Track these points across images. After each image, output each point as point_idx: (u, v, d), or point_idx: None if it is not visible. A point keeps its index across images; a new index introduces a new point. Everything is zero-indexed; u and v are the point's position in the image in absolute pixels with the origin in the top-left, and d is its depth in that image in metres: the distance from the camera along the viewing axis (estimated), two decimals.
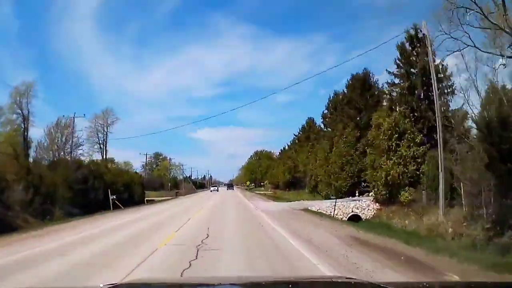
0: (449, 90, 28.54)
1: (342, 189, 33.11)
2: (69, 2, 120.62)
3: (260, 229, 13.38)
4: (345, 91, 40.27)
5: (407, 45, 30.33)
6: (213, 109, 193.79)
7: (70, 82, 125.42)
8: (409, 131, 25.57)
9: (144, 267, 7.45)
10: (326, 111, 46.89)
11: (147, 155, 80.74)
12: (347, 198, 31.76)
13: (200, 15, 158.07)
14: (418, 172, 24.90)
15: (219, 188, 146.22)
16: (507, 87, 16.55)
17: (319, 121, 52.44)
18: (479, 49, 15.49)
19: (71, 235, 12.93)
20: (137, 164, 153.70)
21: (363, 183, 34.45)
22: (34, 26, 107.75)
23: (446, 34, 15.34)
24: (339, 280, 3.41)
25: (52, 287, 6.61)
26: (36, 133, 60.92)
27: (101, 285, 2.37)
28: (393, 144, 25.45)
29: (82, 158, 59.68)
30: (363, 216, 25.37)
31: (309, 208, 23.94)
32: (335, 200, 29.65)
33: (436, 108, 22.70)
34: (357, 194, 33.37)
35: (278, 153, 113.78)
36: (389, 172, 25.03)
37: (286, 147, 76.65)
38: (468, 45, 15.11)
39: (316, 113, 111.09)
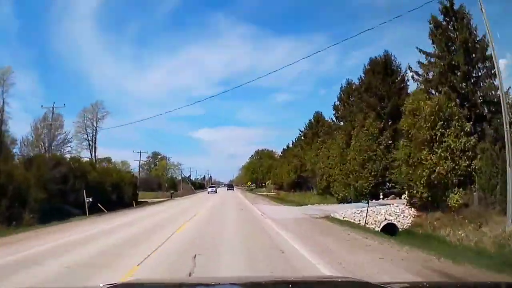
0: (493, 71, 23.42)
1: (363, 190, 27.80)
2: (69, 2, 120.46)
3: (280, 259, 8.01)
4: (363, 78, 34.96)
5: (440, 18, 25.29)
6: (213, 108, 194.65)
7: (70, 82, 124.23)
8: (456, 117, 20.28)
9: None
10: (338, 103, 41.64)
11: (143, 154, 75.36)
12: (372, 201, 26.46)
13: (200, 15, 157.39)
14: (469, 169, 19.64)
15: (218, 189, 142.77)
16: None
17: (328, 115, 47.34)
18: None
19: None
20: (135, 164, 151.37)
21: (387, 184, 29.16)
22: (34, 26, 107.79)
23: None
24: (339, 280, 3.32)
25: (52, 287, 6.34)
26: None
27: (101, 285, 2.35)
28: (437, 133, 20.14)
29: (70, 155, 54.82)
30: (399, 225, 20.07)
31: (332, 215, 18.57)
32: (359, 204, 24.33)
33: (500, 85, 17.52)
34: (381, 197, 28.05)
35: (281, 152, 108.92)
36: (433, 168, 19.74)
37: (290, 145, 71.38)
38: None
39: (314, 112, 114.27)
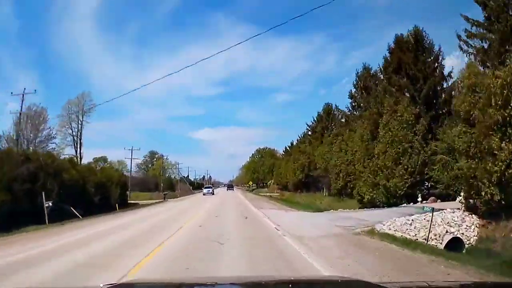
0: None
1: (397, 191, 22.26)
2: (69, 2, 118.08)
3: None
4: (388, 58, 29.37)
5: None
6: (213, 108, 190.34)
7: (70, 82, 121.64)
8: None
9: None
10: (354, 90, 36.15)
11: (139, 153, 69.70)
12: (409, 205, 20.97)
13: (200, 15, 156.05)
14: None
15: (218, 189, 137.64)
16: None
17: (341, 106, 41.81)
18: None
19: None
20: (132, 163, 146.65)
21: (425, 183, 23.65)
22: (34, 26, 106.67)
23: None
24: (339, 280, 3.33)
25: (52, 287, 6.25)
26: None
27: (101, 285, 2.31)
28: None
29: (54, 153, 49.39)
30: (463, 239, 14.60)
31: (377, 228, 12.97)
32: (397, 209, 18.81)
33: None
34: (419, 199, 22.49)
35: (283, 150, 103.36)
36: (509, 161, 14.30)
37: (295, 142, 65.89)
38: None
39: (315, 113, 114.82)
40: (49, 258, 8.69)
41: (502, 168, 14.52)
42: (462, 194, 17.59)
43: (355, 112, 34.94)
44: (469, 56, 20.48)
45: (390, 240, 10.34)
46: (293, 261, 7.84)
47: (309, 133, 51.08)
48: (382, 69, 30.87)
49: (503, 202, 14.88)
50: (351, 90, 36.49)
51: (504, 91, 15.02)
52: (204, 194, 56.35)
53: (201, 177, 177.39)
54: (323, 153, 38.22)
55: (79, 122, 53.35)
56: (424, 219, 14.67)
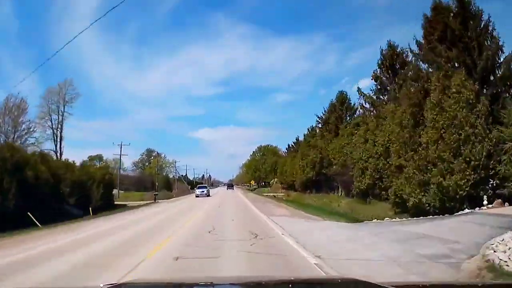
0: None
1: (458, 192, 16.45)
2: (69, 2, 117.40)
3: None
4: (427, 28, 23.51)
5: None
6: (213, 108, 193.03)
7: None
8: None
9: None
10: (378, 70, 30.30)
11: (133, 150, 64.01)
12: (478, 211, 15.21)
13: (200, 15, 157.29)
14: None
15: (218, 189, 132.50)
16: None
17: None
18: None
19: None
20: (129, 162, 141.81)
21: (490, 180, 17.84)
22: (33, 25, 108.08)
23: None
24: (339, 280, 3.33)
25: (52, 287, 6.20)
26: None
27: (101, 285, 2.30)
28: None
29: (33, 148, 43.88)
30: None
31: (491, 258, 7.30)
32: (466, 218, 13.05)
33: None
34: (484, 202, 16.71)
35: (286, 149, 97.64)
36: None
37: (302, 138, 60.13)
38: None
39: (315, 113, 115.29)
40: None
41: None
42: None
43: (381, 97, 29.14)
44: None
45: None
46: None
47: (319, 125, 45.21)
48: (417, 41, 25.07)
49: None
50: (374, 71, 30.67)
51: None
52: (197, 196, 44.03)
53: (200, 176, 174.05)
54: (341, 147, 32.45)
55: (60, 113, 47.58)
56: None
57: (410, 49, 26.06)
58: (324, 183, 40.67)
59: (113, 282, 2.54)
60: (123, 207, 36.78)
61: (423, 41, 23.34)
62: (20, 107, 49.67)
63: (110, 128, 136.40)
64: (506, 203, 17.20)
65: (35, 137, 45.14)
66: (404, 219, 15.56)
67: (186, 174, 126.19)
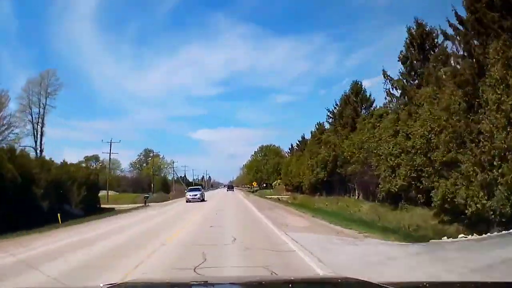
0: None
1: None
2: (69, 1, 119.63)
3: None
4: None
5: None
6: (212, 109, 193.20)
7: (70, 82, 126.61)
8: None
9: None
10: (405, 52, 25.68)
11: (116, 146, 59.36)
12: None
13: (200, 14, 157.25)
14: None
15: (218, 190, 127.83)
16: None
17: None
18: None
19: None
20: (126, 162, 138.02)
21: None
22: (33, 25, 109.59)
23: None
24: (339, 280, 3.23)
25: (52, 287, 6.11)
26: None
27: (101, 285, 2.31)
28: None
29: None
30: None
31: None
32: None
33: None
34: None
35: (289, 149, 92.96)
36: None
37: (307, 136, 55.40)
38: None
39: (315, 113, 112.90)
40: None
41: None
42: None
43: (411, 81, 24.45)
44: None
45: None
46: None
47: (330, 120, 40.50)
48: (457, 14, 20.43)
49: None
50: (401, 51, 26.02)
51: None
52: (188, 201, 35.11)
53: (200, 177, 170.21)
54: (361, 142, 27.75)
55: (41, 106, 42.89)
56: None
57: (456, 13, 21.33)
58: (336, 184, 35.99)
59: (112, 282, 2.50)
60: (108, 212, 32.11)
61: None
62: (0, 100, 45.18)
63: (109, 128, 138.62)
64: None
65: (16, 133, 40.60)
66: (486, 235, 10.76)
67: (184, 175, 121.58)
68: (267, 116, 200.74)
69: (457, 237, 11.00)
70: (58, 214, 21.31)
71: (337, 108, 38.16)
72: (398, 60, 26.37)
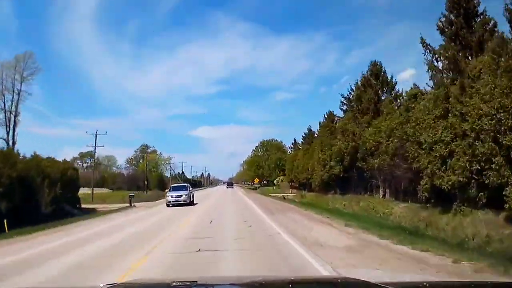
0: None
1: None
2: (69, 1, 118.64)
3: None
4: None
5: None
6: (213, 107, 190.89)
7: (70, 82, 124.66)
8: None
9: None
10: (443, 18, 20.57)
11: (102, 138, 54.27)
12: None
13: (200, 13, 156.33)
14: None
15: (217, 187, 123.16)
16: None
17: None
18: None
19: None
20: (123, 159, 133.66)
21: None
22: (33, 25, 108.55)
23: None
24: (339, 280, 3.31)
25: (52, 287, 6.25)
26: None
27: (101, 285, 2.30)
28: None
29: None
30: None
31: None
32: None
33: None
34: None
35: (292, 143, 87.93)
36: None
37: (315, 128, 50.23)
38: None
39: (315, 111, 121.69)
40: None
41: None
42: None
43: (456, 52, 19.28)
44: None
45: None
46: None
47: (343, 107, 35.37)
48: None
49: None
50: (440, 19, 20.87)
51: None
52: (169, 205, 26.36)
53: (199, 174, 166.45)
54: (390, 129, 22.64)
55: (15, 92, 37.61)
56: None
57: None
58: (353, 181, 30.89)
59: (112, 282, 2.51)
60: (86, 215, 26.96)
61: None
62: None
63: (110, 127, 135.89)
64: None
65: None
66: None
67: (182, 172, 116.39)
68: (267, 114, 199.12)
69: None
70: (5, 221, 16.29)
71: (353, 93, 33.00)
72: (437, 29, 21.31)
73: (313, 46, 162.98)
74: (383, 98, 30.34)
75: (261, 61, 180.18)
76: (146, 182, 67.28)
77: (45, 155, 29.96)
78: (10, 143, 35.04)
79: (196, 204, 27.72)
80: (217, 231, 12.26)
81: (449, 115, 16.85)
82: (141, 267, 7.37)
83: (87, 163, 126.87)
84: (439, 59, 20.58)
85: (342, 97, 34.37)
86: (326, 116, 41.65)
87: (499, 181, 13.72)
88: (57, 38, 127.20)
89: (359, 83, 31.90)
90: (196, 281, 2.91)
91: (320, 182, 35.85)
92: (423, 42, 21.97)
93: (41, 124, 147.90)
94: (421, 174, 19.26)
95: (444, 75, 19.78)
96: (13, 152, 26.60)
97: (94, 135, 44.74)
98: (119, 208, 29.22)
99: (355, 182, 30.28)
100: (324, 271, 6.47)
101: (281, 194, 47.74)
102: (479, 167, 14.66)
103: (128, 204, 30.49)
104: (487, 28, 20.12)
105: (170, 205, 25.87)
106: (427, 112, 19.92)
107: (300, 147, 59.97)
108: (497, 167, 13.81)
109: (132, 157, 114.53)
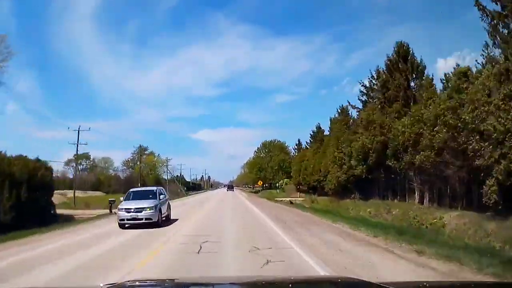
0: None
1: None
2: (69, 1, 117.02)
3: None
4: None
5: None
6: (212, 109, 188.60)
7: (70, 82, 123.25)
8: None
9: None
10: None
11: (88, 134, 49.37)
12: None
13: (200, 14, 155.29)
14: None
15: (218, 190, 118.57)
16: None
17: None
18: None
19: None
20: (120, 161, 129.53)
21: None
22: (33, 25, 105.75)
23: None
24: (339, 280, 3.20)
25: (52, 287, 6.17)
26: None
27: (101, 285, 2.26)
28: None
29: None
30: None
31: None
32: None
33: None
34: None
35: (296, 144, 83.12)
36: None
37: (322, 125, 45.32)
38: None
39: (315, 113, 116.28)
40: None
41: None
42: None
43: None
44: None
45: None
46: None
47: (363, 98, 30.41)
48: None
49: None
50: None
51: None
52: (121, 225, 15.47)
53: (199, 177, 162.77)
54: (435, 117, 17.69)
55: None
56: None
57: None
58: (378, 183, 25.93)
59: (112, 282, 2.46)
60: (54, 224, 21.83)
61: None
62: None
63: (109, 127, 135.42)
64: None
65: None
66: None
67: (181, 174, 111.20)
68: (267, 116, 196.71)
69: None
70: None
71: (374, 81, 28.08)
72: None
73: (313, 47, 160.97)
74: (412, 84, 25.52)
75: (261, 62, 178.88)
76: (139, 185, 62.28)
77: (47, 159, 25.20)
78: None
79: (175, 221, 17.58)
80: (209, 271, 6.91)
81: None
82: None
83: (83, 165, 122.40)
84: (501, 23, 15.79)
85: (362, 85, 29.45)
86: (340, 110, 36.71)
87: None
88: (57, 38, 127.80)
89: (383, 68, 27.01)
90: (196, 281, 2.91)
91: (335, 184, 30.82)
92: (478, 5, 17.13)
93: (41, 127, 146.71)
94: (481, 174, 14.41)
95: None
96: None
97: (77, 130, 39.66)
98: (98, 216, 24.21)
99: (382, 184, 25.30)
100: None
101: (287, 199, 42.73)
102: None
103: (108, 211, 25.37)
104: None
105: (124, 224, 15.50)
106: (487, 92, 15.11)
107: (308, 147, 54.94)
108: None
109: (129, 159, 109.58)
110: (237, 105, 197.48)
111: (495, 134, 13.68)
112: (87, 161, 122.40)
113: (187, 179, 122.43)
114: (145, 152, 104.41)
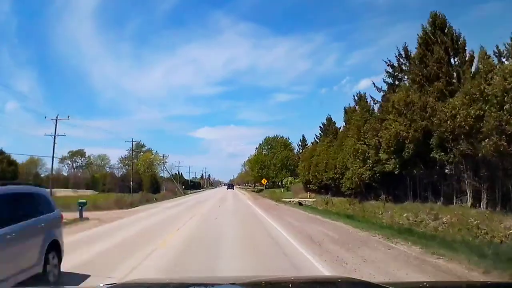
0: None
1: None
2: (69, 1, 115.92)
3: None
4: None
5: None
6: (212, 108, 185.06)
7: (70, 81, 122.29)
8: None
9: None
10: None
11: (65, 123, 44.96)
12: None
13: (200, 13, 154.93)
14: None
15: (217, 189, 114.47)
16: None
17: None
18: None
19: None
20: (116, 158, 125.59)
21: None
22: (33, 24, 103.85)
23: None
24: (339, 280, 3.30)
25: (52, 287, 5.91)
26: None
27: (101, 285, 2.29)
28: None
29: None
30: None
31: None
32: None
33: None
34: None
35: (300, 140, 78.68)
36: None
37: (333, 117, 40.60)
38: None
39: (315, 112, 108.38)
40: None
41: None
42: None
43: None
44: None
45: None
46: None
47: (388, 79, 25.82)
48: None
49: None
50: None
51: None
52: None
53: (198, 175, 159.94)
54: (503, 92, 13.16)
55: None
56: None
57: None
58: (420, 180, 21.37)
59: (113, 282, 2.46)
60: None
61: None
62: None
63: (109, 126, 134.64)
64: None
65: None
66: None
67: (179, 172, 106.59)
68: (267, 115, 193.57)
69: None
70: None
71: (405, 59, 23.49)
72: None
73: (313, 46, 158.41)
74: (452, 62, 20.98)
75: (261, 61, 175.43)
76: (131, 183, 57.87)
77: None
78: None
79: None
80: None
81: None
82: None
83: (77, 162, 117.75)
84: None
85: (388, 64, 24.82)
86: (357, 98, 32.11)
87: None
88: (57, 37, 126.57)
89: (418, 42, 22.42)
90: (196, 281, 2.97)
91: (357, 183, 26.22)
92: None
93: (40, 126, 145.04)
94: None
95: None
96: None
97: (55, 120, 34.94)
98: (76, 219, 19.58)
99: (418, 182, 20.72)
100: None
101: (295, 199, 38.20)
102: None
103: (78, 216, 20.48)
104: None
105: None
106: None
107: (317, 141, 50.30)
108: None
109: (126, 156, 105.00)
110: (237, 104, 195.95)
111: None
112: (82, 159, 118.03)
113: (186, 178, 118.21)
114: (142, 149, 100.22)
